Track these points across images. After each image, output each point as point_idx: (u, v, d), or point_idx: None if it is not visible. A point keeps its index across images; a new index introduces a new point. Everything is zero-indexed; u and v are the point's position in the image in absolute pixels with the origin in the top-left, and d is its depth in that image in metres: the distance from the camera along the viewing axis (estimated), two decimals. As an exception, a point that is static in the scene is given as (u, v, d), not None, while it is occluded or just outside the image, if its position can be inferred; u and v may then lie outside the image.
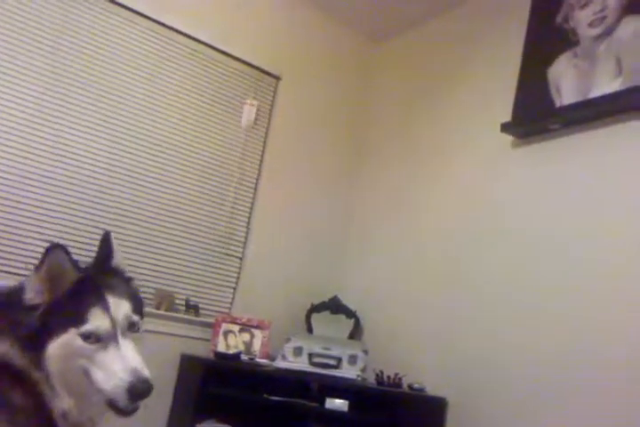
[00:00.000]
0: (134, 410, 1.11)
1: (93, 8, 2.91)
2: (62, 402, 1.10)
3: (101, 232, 1.33)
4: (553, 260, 2.48)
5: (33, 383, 1.04)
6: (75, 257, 1.21)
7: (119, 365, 1.10)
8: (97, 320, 1.12)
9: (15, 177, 2.65)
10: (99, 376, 1.10)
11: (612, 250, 2.29)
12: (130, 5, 2.99)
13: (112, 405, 1.10)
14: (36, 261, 1.17)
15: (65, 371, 1.11)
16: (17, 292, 1.15)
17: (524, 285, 2.56)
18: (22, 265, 2.57)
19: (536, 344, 2.43)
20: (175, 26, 3.12)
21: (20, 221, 2.64)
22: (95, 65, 2.90)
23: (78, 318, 1.11)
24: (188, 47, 3.18)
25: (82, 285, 1.17)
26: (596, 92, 2.43)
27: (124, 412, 1.11)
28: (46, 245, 1.16)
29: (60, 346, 1.10)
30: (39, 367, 1.09)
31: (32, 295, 1.12)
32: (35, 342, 1.09)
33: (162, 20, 3.09)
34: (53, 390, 1.09)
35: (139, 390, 1.08)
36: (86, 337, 1.11)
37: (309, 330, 3.26)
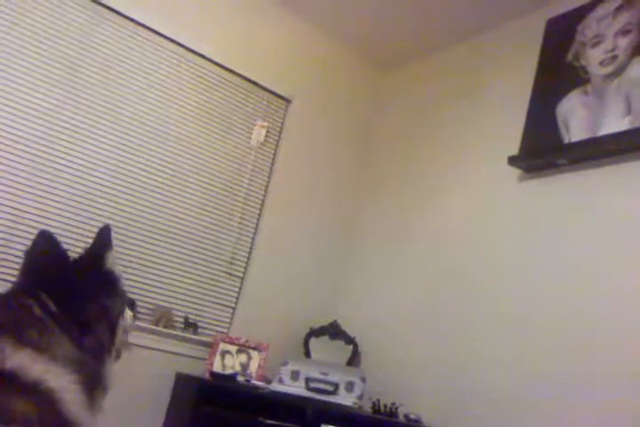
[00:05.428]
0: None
1: (106, 22, 2.97)
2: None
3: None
4: (554, 293, 2.47)
5: (45, 392, 1.04)
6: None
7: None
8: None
9: (21, 193, 2.69)
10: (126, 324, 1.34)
11: (616, 287, 2.29)
12: (146, 23, 3.05)
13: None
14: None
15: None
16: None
17: (525, 315, 2.55)
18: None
19: (538, 377, 2.41)
20: (191, 46, 3.18)
21: (22, 237, 2.67)
22: (110, 80, 2.95)
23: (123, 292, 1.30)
24: (203, 68, 3.24)
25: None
26: (605, 131, 2.45)
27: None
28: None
29: (126, 318, 1.27)
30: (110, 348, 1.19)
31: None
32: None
33: (178, 40, 3.15)
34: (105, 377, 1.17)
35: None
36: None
37: (307, 354, 3.23)
